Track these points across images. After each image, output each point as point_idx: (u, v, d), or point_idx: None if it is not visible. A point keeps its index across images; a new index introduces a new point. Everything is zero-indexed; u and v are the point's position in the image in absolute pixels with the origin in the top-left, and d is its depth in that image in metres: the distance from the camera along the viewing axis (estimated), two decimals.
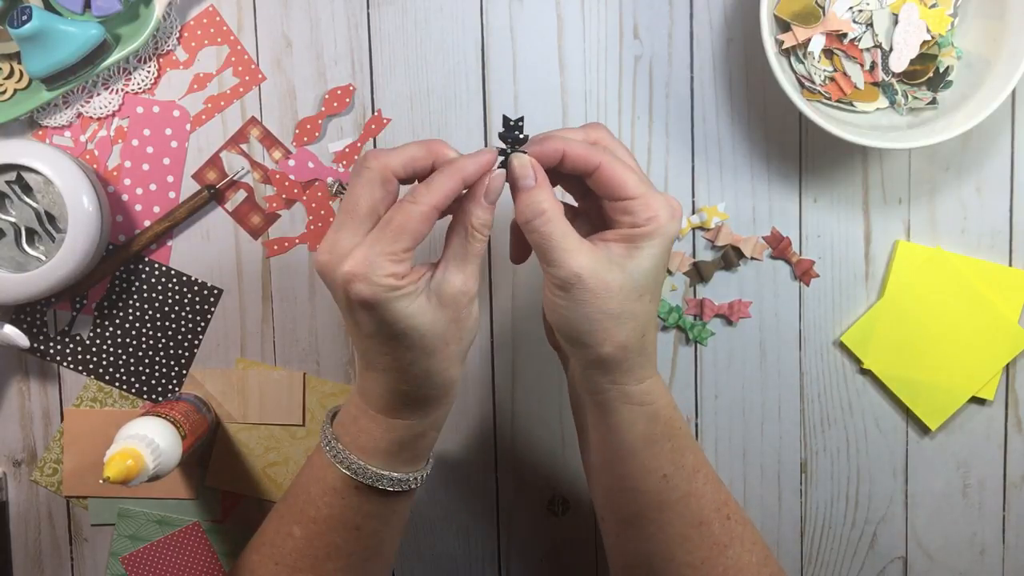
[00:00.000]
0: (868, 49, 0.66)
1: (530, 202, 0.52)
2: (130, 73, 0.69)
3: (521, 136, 0.52)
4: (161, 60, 0.69)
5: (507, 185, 0.52)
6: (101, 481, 0.58)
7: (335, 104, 0.70)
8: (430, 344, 0.52)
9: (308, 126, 0.70)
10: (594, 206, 0.56)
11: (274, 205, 0.71)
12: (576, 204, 0.58)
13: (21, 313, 0.71)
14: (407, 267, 0.50)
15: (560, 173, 0.54)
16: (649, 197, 0.52)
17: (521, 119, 0.52)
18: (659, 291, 0.54)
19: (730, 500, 0.58)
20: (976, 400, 0.73)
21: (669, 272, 0.71)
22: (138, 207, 0.70)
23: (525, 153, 0.52)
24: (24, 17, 0.62)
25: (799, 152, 0.71)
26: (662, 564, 0.57)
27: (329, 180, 0.70)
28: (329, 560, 0.57)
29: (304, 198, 0.71)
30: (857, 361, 0.72)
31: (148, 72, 0.69)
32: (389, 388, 0.54)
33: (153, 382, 0.72)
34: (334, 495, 0.56)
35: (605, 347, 0.52)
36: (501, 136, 0.52)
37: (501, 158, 0.52)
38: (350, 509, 0.56)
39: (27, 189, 0.66)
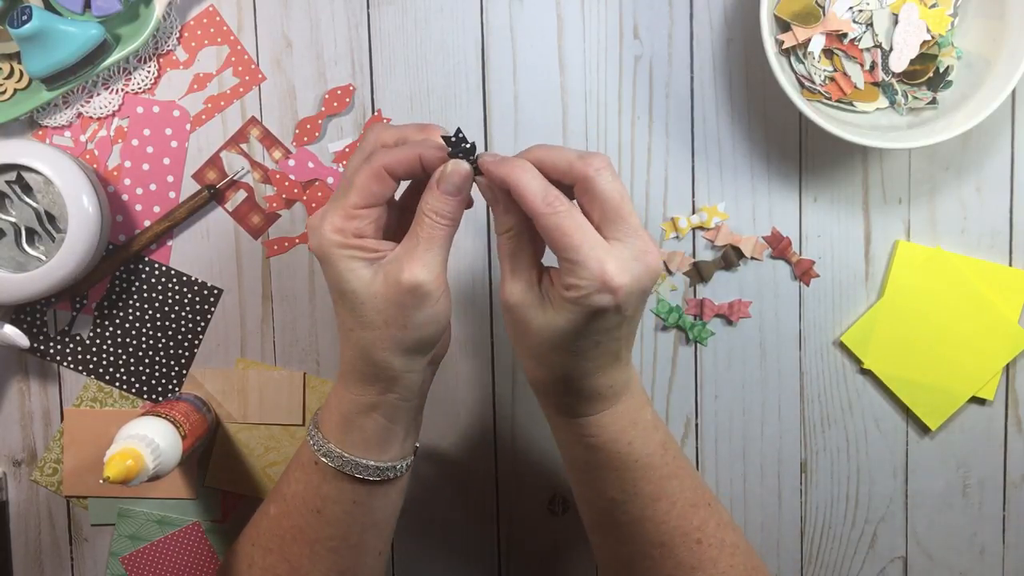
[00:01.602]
0: (868, 49, 0.66)
1: (497, 214, 0.52)
2: (130, 73, 0.69)
3: (467, 146, 0.51)
4: (161, 60, 0.69)
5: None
6: (101, 481, 0.58)
7: (335, 104, 0.70)
8: (367, 314, 0.52)
9: (308, 126, 0.70)
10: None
11: (274, 205, 0.71)
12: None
13: (21, 313, 0.71)
14: (359, 225, 0.52)
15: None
16: (583, 264, 0.48)
17: (458, 130, 0.51)
18: (595, 351, 0.51)
19: (706, 526, 0.56)
20: (976, 400, 0.73)
21: (669, 272, 0.71)
22: (138, 207, 0.70)
23: (476, 166, 0.52)
24: (24, 17, 0.62)
25: (799, 152, 0.71)
26: (628, 573, 0.58)
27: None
28: (295, 543, 0.57)
29: (304, 198, 0.71)
30: (857, 361, 0.72)
31: (148, 72, 0.69)
32: (342, 355, 0.55)
33: (153, 382, 0.72)
34: (301, 471, 0.57)
35: (529, 373, 0.55)
36: (450, 155, 0.52)
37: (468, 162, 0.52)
38: (311, 488, 0.56)
39: (27, 189, 0.66)
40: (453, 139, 0.51)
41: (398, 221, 0.56)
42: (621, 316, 0.50)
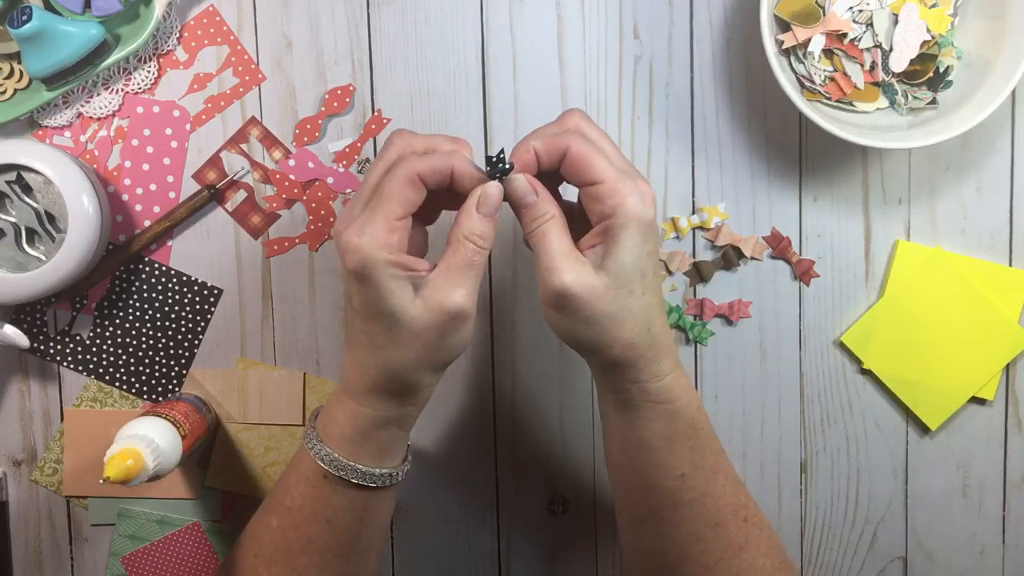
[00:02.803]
0: (868, 49, 0.66)
1: (535, 214, 0.53)
2: (130, 73, 0.69)
3: (506, 167, 0.53)
4: (161, 60, 0.69)
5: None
6: (101, 481, 0.58)
7: (335, 104, 0.70)
8: (404, 335, 0.52)
9: (308, 126, 0.70)
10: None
11: (274, 205, 0.71)
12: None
13: (21, 313, 0.71)
14: (401, 238, 0.51)
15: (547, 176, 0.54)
16: (617, 182, 0.51)
17: (501, 151, 0.53)
18: (654, 281, 0.53)
19: (749, 503, 0.58)
20: (976, 400, 0.73)
21: (669, 272, 0.71)
22: (138, 207, 0.70)
23: (518, 175, 0.53)
24: (24, 17, 0.62)
25: (799, 152, 0.71)
26: (675, 562, 0.57)
27: (356, 158, 0.70)
28: (303, 554, 0.57)
29: (304, 198, 0.71)
30: (857, 361, 0.72)
31: (148, 72, 0.69)
32: (360, 370, 0.54)
33: (153, 382, 0.72)
34: (307, 485, 0.56)
35: (613, 349, 0.53)
36: (489, 175, 0.53)
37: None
38: (321, 500, 0.56)
39: (27, 189, 0.66)
40: (495, 159, 0.52)
41: (422, 237, 0.57)
42: (655, 232, 0.53)
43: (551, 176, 0.54)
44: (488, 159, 0.52)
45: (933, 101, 0.67)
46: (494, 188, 0.52)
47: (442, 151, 0.53)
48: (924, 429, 0.73)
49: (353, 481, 0.55)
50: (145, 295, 0.71)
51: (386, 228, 0.50)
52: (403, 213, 0.51)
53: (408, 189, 0.51)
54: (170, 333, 0.72)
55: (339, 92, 0.70)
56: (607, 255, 0.51)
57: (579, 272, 0.51)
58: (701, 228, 0.71)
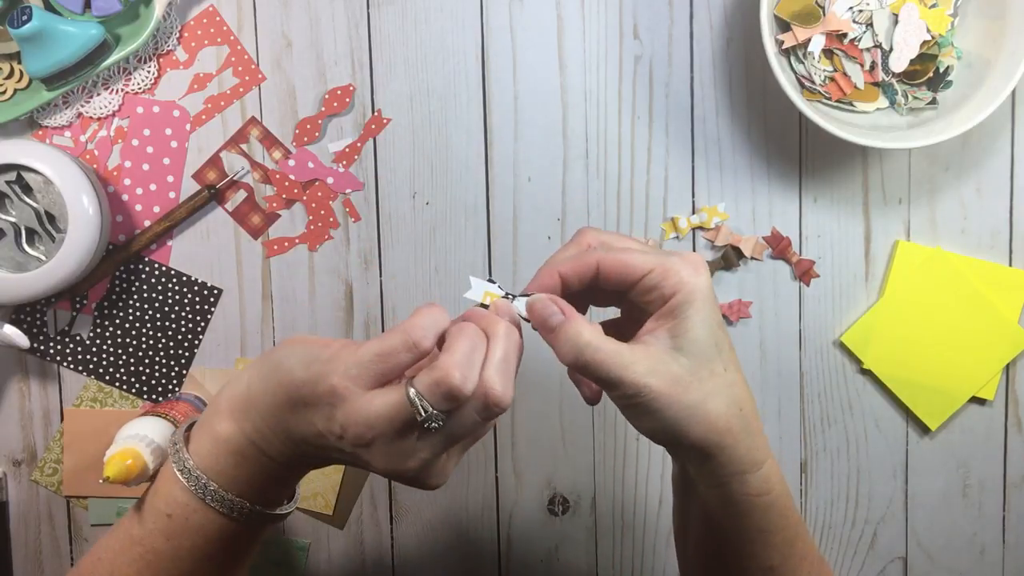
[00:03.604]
0: (868, 49, 0.66)
1: (567, 338, 0.47)
2: (130, 73, 0.69)
3: (505, 294, 0.49)
4: (161, 60, 0.69)
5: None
6: (101, 481, 0.58)
7: (335, 104, 0.70)
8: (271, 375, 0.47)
9: (308, 126, 0.70)
10: (626, 309, 0.52)
11: (274, 205, 0.71)
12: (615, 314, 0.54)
13: (21, 313, 0.71)
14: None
15: (578, 294, 0.50)
16: (665, 263, 0.47)
17: (491, 281, 0.49)
18: (732, 355, 0.49)
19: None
20: (976, 400, 0.73)
21: None
22: (138, 207, 0.70)
23: (530, 294, 0.49)
24: (24, 17, 0.62)
25: (799, 152, 0.71)
26: None
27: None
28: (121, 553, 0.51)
29: (304, 198, 0.71)
30: (857, 361, 0.72)
31: (148, 72, 0.69)
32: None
33: (153, 382, 0.72)
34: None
35: (708, 439, 0.47)
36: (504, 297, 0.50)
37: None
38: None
39: (27, 189, 0.66)
40: (506, 295, 0.49)
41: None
42: (715, 295, 0.48)
43: (580, 297, 0.51)
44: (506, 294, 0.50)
45: (933, 101, 0.67)
46: (505, 305, 0.49)
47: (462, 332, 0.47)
48: (924, 429, 0.73)
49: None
50: (145, 295, 0.71)
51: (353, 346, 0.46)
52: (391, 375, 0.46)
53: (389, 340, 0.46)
54: (170, 333, 0.72)
55: (339, 92, 0.70)
56: (678, 335, 0.47)
57: (655, 362, 0.46)
58: (701, 228, 0.71)
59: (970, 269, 0.71)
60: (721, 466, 0.48)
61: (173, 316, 0.71)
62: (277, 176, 0.70)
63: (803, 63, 0.67)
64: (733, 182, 0.71)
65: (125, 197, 0.70)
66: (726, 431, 0.47)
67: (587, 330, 0.47)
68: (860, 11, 0.66)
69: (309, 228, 0.71)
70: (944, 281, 0.71)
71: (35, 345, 0.71)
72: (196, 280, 0.71)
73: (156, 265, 0.71)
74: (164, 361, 0.72)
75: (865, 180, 0.71)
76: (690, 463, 0.50)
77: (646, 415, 0.47)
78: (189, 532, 0.49)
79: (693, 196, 0.71)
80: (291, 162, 0.70)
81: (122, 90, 0.69)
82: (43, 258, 0.66)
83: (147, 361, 0.72)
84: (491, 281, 0.50)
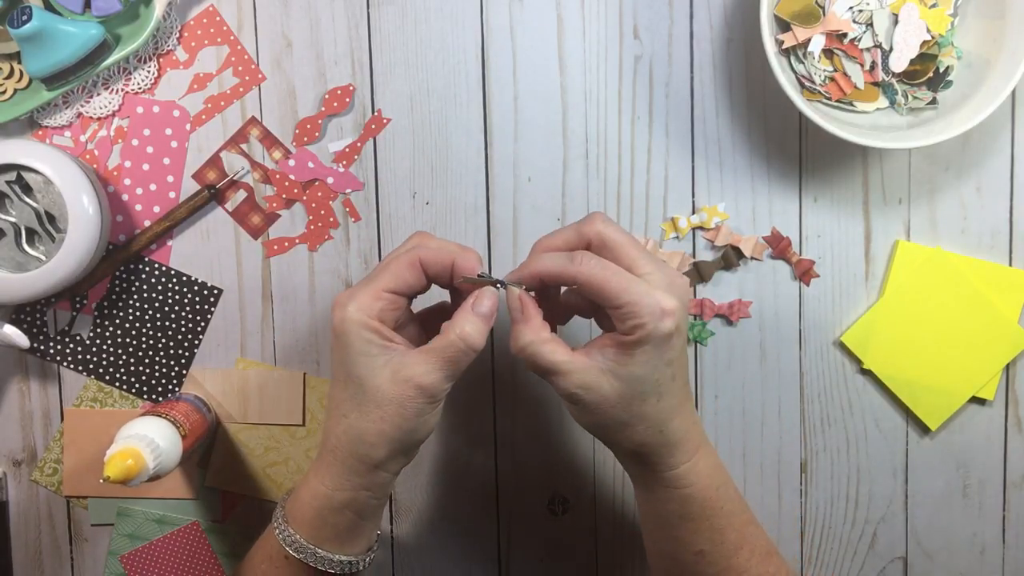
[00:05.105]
0: (868, 49, 0.66)
1: (516, 335, 0.54)
2: (130, 73, 0.69)
3: (495, 282, 0.55)
4: (161, 60, 0.69)
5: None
6: (101, 481, 0.58)
7: (335, 104, 0.70)
8: (367, 403, 0.53)
9: (308, 126, 0.70)
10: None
11: (274, 205, 0.71)
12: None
13: (21, 313, 0.71)
14: (382, 307, 0.53)
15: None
16: (637, 304, 0.51)
17: (482, 272, 0.55)
18: (673, 385, 0.54)
19: (779, 574, 0.58)
20: (976, 400, 0.73)
21: None
22: (138, 207, 0.70)
23: (517, 286, 0.55)
24: (24, 17, 0.62)
25: (799, 152, 0.71)
26: None
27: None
28: None
29: (304, 198, 0.71)
30: (857, 361, 0.72)
31: (148, 72, 0.69)
32: (325, 438, 0.55)
33: (153, 382, 0.72)
34: (270, 564, 0.57)
35: (624, 445, 0.55)
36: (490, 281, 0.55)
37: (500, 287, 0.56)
38: None
39: (27, 189, 0.66)
40: (481, 276, 0.55)
41: (418, 336, 0.58)
42: (680, 336, 0.53)
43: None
44: (480, 275, 0.55)
45: (933, 101, 0.67)
46: (488, 290, 0.55)
47: (448, 249, 0.55)
48: (924, 429, 0.73)
49: (311, 565, 0.55)
50: (145, 295, 0.71)
51: (372, 295, 0.53)
52: (393, 287, 0.54)
53: (406, 269, 0.54)
54: (170, 333, 0.72)
55: (339, 92, 0.70)
56: (621, 364, 0.52)
57: (589, 377, 0.52)
58: (701, 228, 0.71)
59: (970, 269, 0.71)
60: (635, 461, 0.56)
61: (173, 316, 0.71)
62: (277, 176, 0.70)
63: (803, 63, 0.67)
64: (733, 182, 0.71)
65: (125, 197, 0.70)
66: (641, 443, 0.54)
67: (534, 332, 0.54)
68: (860, 11, 0.66)
69: (309, 228, 0.71)
70: (944, 281, 0.71)
71: (35, 345, 0.71)
72: (196, 280, 0.71)
73: (156, 265, 0.71)
74: (164, 361, 0.72)
75: (865, 180, 0.71)
76: (615, 454, 0.58)
77: (578, 413, 0.55)
78: None
79: (693, 196, 0.71)
80: (291, 162, 0.70)
81: (122, 90, 0.69)
82: (43, 258, 0.66)
83: (147, 361, 0.72)
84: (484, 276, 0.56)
